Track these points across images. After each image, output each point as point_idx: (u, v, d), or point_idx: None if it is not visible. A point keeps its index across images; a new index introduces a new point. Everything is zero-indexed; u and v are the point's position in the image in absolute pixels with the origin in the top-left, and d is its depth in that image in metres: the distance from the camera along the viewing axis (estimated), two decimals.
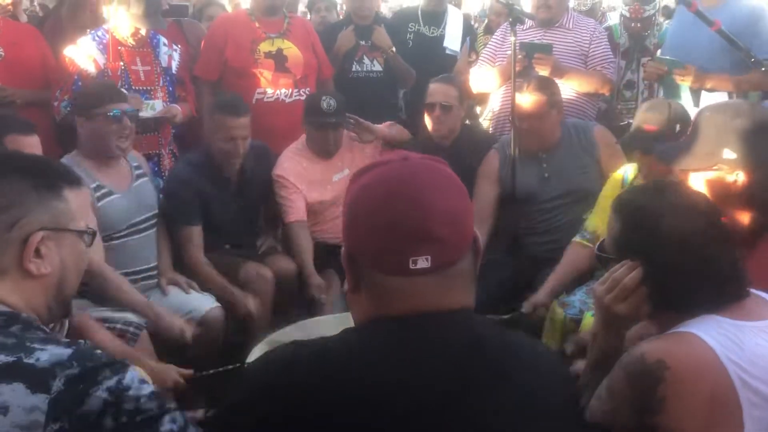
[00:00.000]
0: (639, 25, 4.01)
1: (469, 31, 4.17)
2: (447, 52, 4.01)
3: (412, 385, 0.98)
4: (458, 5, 7.94)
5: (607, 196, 2.76)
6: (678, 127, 2.49)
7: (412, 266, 1.00)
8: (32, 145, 2.36)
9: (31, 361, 1.05)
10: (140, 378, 1.11)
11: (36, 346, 1.08)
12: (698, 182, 1.74)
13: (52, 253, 1.20)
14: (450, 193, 1.05)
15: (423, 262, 1.00)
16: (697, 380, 1.22)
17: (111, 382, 1.05)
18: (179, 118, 3.36)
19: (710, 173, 1.72)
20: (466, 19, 4.33)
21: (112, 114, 2.62)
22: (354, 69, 3.94)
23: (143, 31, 3.26)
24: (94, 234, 1.30)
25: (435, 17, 4.06)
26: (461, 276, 1.05)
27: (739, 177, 1.70)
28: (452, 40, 4.05)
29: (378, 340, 1.03)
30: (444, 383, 0.99)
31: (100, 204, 2.61)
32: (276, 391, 1.00)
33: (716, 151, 1.71)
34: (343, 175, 3.29)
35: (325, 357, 1.02)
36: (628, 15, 4.02)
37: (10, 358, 1.04)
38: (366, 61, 3.94)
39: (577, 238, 2.82)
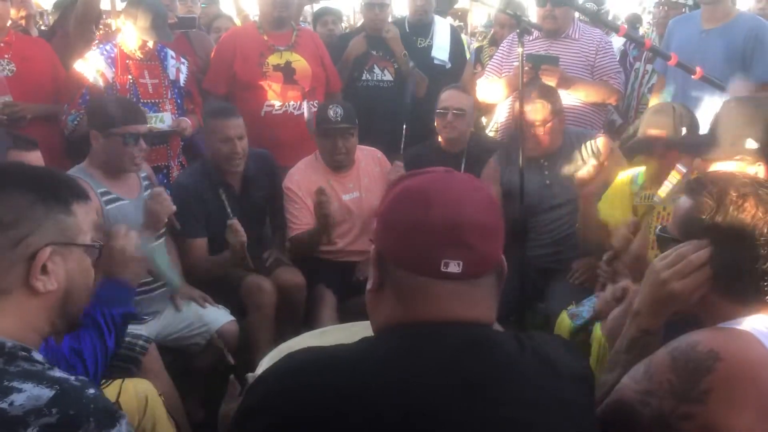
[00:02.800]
0: (667, 9, 4.00)
1: (456, 42, 4.18)
2: (435, 62, 4.02)
3: (430, 397, 0.97)
4: (463, 18, 7.98)
5: (617, 193, 2.75)
6: (684, 130, 2.48)
7: (443, 268, 1.02)
8: (34, 161, 2.36)
9: (4, 405, 0.96)
10: None
11: (14, 384, 0.99)
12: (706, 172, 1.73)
13: (59, 268, 1.16)
14: (486, 206, 1.08)
15: (454, 267, 1.02)
16: (749, 379, 1.17)
17: None
18: (189, 131, 3.39)
19: (732, 163, 1.71)
20: (454, 30, 4.33)
21: (129, 138, 2.60)
22: (364, 78, 3.96)
23: (150, 44, 3.28)
24: (101, 248, 1.26)
25: (422, 28, 4.08)
26: (487, 290, 1.07)
27: (760, 168, 1.70)
28: (440, 50, 4.06)
29: (398, 349, 1.02)
30: (463, 398, 0.98)
31: (107, 208, 2.60)
32: (293, 395, 0.99)
33: (738, 141, 1.71)
34: (353, 198, 3.29)
35: (344, 364, 1.02)
36: None
37: None
38: (377, 70, 3.96)
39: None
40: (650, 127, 2.55)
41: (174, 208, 2.67)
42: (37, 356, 1.10)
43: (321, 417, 0.96)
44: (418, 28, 4.06)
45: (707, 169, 1.77)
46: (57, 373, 1.06)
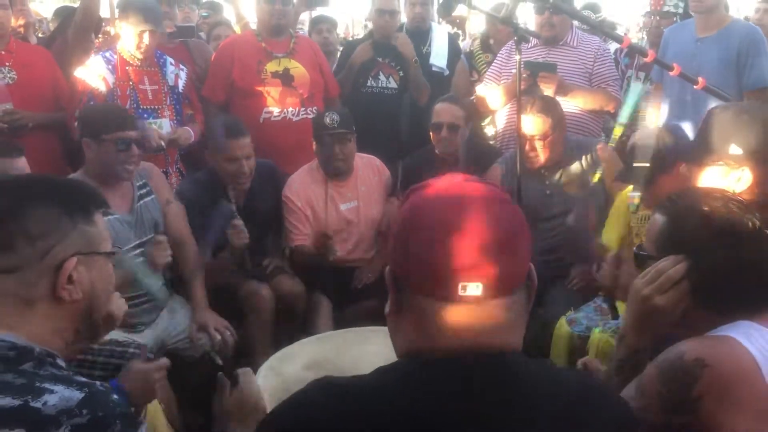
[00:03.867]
0: (658, 18, 4.02)
1: (454, 49, 4.20)
2: (433, 69, 4.03)
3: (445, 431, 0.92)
4: (461, 26, 7.99)
5: (617, 213, 2.76)
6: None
7: (461, 292, 0.93)
8: (20, 168, 2.35)
9: (38, 405, 1.00)
10: None
11: (46, 386, 1.04)
12: (705, 178, 1.75)
13: (83, 277, 1.18)
14: (508, 218, 0.98)
15: (474, 290, 0.93)
16: (736, 383, 1.19)
17: None
18: (191, 141, 3.39)
19: (716, 168, 1.74)
20: (452, 37, 4.34)
21: (120, 142, 2.59)
22: (369, 84, 3.97)
23: (147, 39, 3.26)
24: (120, 251, 1.30)
25: (420, 35, 4.09)
26: (513, 311, 0.98)
27: (744, 173, 1.72)
28: (438, 57, 4.08)
29: (414, 382, 0.95)
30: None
31: None
32: (308, 428, 0.95)
33: (723, 146, 1.73)
34: (350, 207, 3.30)
35: (359, 398, 0.96)
36: (649, 9, 4.04)
37: (16, 402, 1.00)
38: (382, 77, 3.97)
39: None
40: (635, 154, 2.54)
41: (170, 259, 2.67)
42: (62, 362, 1.14)
43: None
44: (416, 35, 4.07)
45: (692, 175, 1.79)
46: (82, 378, 1.10)
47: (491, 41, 4.45)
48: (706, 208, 1.34)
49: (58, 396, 1.02)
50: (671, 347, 1.29)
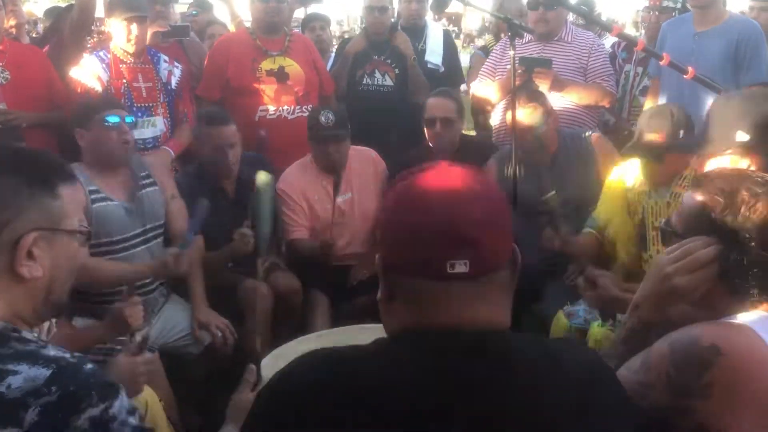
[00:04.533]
0: (657, 14, 4.02)
1: (450, 45, 4.19)
2: (428, 66, 4.03)
3: (443, 407, 0.94)
4: (456, 23, 7.99)
5: (612, 187, 2.76)
6: (682, 133, 2.48)
7: (449, 270, 0.97)
8: None
9: (2, 389, 0.95)
10: (129, 407, 1.02)
11: (9, 366, 0.98)
12: (714, 168, 1.70)
13: (44, 254, 1.12)
14: (489, 198, 1.03)
15: (461, 266, 0.97)
16: (750, 374, 1.17)
17: (95, 411, 0.95)
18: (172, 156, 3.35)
19: (725, 158, 1.71)
20: (447, 34, 4.34)
21: (110, 120, 2.59)
22: (365, 82, 3.96)
23: (135, 28, 3.24)
24: (88, 233, 1.22)
25: (415, 32, 4.09)
26: (499, 287, 1.03)
27: (752, 160, 1.69)
28: (433, 54, 4.07)
29: (407, 355, 0.99)
30: (476, 407, 0.95)
31: (94, 206, 2.56)
32: (302, 397, 0.98)
33: (730, 134, 1.71)
34: (346, 199, 3.29)
35: (354, 365, 1.00)
36: (648, 4, 4.04)
37: None
38: (377, 74, 3.96)
39: (585, 229, 2.83)
40: (648, 130, 2.53)
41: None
42: (28, 335, 1.08)
43: (330, 418, 0.95)
44: (412, 32, 4.07)
45: (703, 166, 1.77)
46: (51, 351, 1.04)
47: (503, 35, 4.44)
48: (747, 195, 1.28)
49: (23, 377, 0.97)
50: (685, 329, 1.26)
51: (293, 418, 0.96)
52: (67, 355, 1.04)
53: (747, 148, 1.68)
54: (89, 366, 1.03)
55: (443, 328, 1.00)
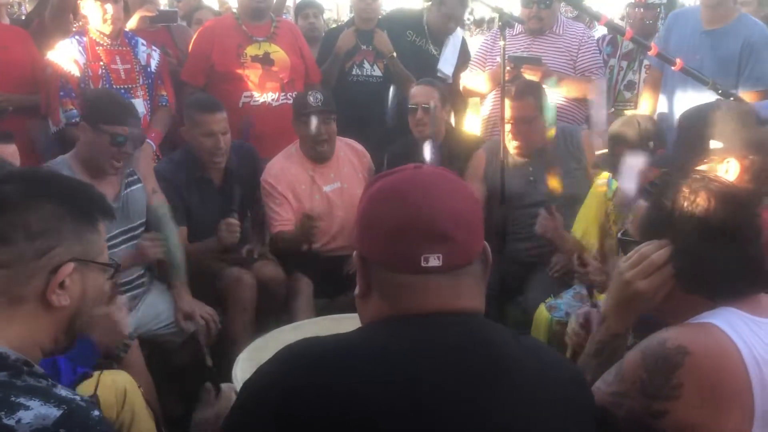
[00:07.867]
0: (642, 10, 4.00)
1: (464, 56, 4.12)
2: (438, 74, 3.95)
3: (420, 383, 0.99)
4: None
5: (590, 206, 2.77)
6: (651, 144, 2.48)
7: (423, 263, 1.03)
8: (9, 154, 2.30)
9: (11, 422, 0.95)
10: None
11: (21, 400, 0.98)
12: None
13: (76, 285, 1.14)
14: (460, 197, 1.10)
15: (434, 260, 1.04)
16: (717, 371, 1.20)
17: None
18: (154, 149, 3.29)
19: (703, 167, 1.75)
20: (464, 43, 4.23)
21: (117, 138, 2.54)
22: (354, 73, 3.92)
23: (110, 8, 3.16)
24: (118, 266, 1.25)
25: (439, 37, 4.01)
26: (472, 279, 1.09)
27: (730, 164, 1.75)
28: (446, 63, 4.02)
29: (387, 338, 1.04)
30: (452, 383, 1.00)
31: None
32: (292, 390, 1.00)
33: (703, 144, 1.75)
34: (335, 188, 3.26)
35: (336, 355, 1.03)
36: (633, 1, 4.03)
37: None
38: (366, 65, 3.92)
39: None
40: (615, 142, 2.56)
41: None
42: (39, 370, 1.08)
43: (318, 413, 0.97)
44: (436, 35, 3.98)
45: (653, 175, 1.82)
46: (62, 391, 1.05)
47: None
48: (687, 191, 1.33)
49: (34, 413, 0.97)
50: (654, 334, 1.29)
51: (276, 408, 0.99)
52: (78, 398, 1.05)
53: (722, 154, 1.74)
54: (96, 413, 1.04)
55: (417, 314, 1.05)
